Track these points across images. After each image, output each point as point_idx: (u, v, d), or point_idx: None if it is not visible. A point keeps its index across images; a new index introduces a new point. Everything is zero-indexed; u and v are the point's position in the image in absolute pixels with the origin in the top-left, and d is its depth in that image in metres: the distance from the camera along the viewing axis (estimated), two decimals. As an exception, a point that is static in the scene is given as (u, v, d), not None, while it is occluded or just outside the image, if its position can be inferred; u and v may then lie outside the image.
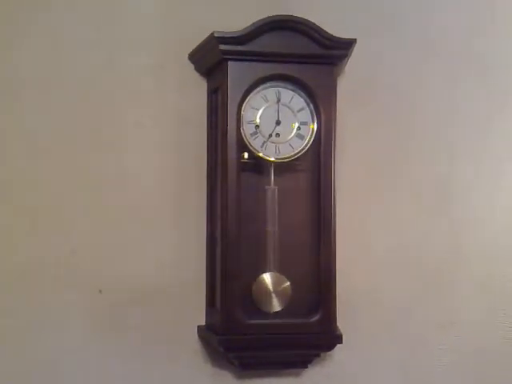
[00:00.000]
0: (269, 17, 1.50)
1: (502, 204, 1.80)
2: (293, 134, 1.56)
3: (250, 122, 1.54)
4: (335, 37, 1.53)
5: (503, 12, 1.80)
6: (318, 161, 1.56)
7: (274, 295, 1.55)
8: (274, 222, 1.56)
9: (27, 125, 1.55)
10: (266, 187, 1.56)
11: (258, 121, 1.55)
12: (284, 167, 1.57)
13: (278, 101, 1.56)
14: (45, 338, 1.55)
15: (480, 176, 1.78)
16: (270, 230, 1.56)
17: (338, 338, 1.56)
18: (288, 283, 1.55)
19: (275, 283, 1.55)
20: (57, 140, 1.57)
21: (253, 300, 1.54)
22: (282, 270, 1.56)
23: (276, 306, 1.54)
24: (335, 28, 1.54)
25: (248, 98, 1.53)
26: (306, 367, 1.65)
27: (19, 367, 1.54)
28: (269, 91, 1.55)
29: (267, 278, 1.55)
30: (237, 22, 1.51)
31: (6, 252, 1.54)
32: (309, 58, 1.53)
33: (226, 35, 1.48)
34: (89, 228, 1.58)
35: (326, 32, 1.52)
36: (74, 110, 1.57)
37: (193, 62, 1.63)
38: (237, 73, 1.51)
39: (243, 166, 1.54)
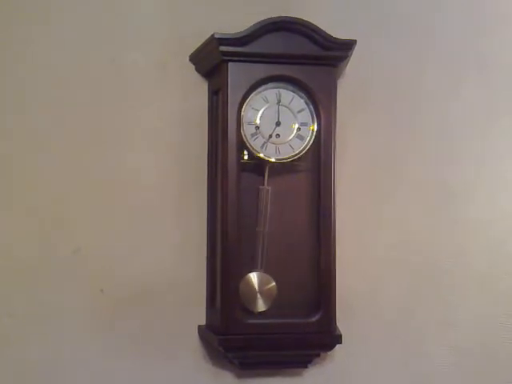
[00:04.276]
0: (269, 18, 1.51)
1: (504, 203, 1.79)
2: (293, 135, 1.57)
3: (250, 123, 1.55)
4: (335, 38, 1.53)
5: (504, 12, 1.80)
6: (318, 161, 1.57)
7: (259, 295, 1.55)
8: (265, 222, 1.56)
9: (30, 124, 1.56)
10: (260, 187, 1.57)
11: (258, 121, 1.55)
12: (284, 168, 1.58)
13: (278, 102, 1.56)
14: (46, 337, 1.56)
15: (481, 176, 1.78)
16: (260, 230, 1.56)
17: (337, 338, 1.57)
18: (273, 283, 1.56)
19: (261, 283, 1.55)
20: (58, 139, 1.57)
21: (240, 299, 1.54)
22: (281, 269, 1.57)
23: (261, 306, 1.55)
24: (335, 29, 1.54)
25: (248, 98, 1.54)
26: (306, 367, 1.65)
27: (21, 366, 1.55)
28: (269, 92, 1.56)
29: (254, 277, 1.56)
30: (237, 23, 1.51)
31: (8, 251, 1.55)
32: (309, 59, 1.54)
33: (226, 37, 1.49)
34: (90, 228, 1.58)
35: (325, 33, 1.53)
36: (75, 109, 1.58)
37: (194, 64, 1.63)
38: (237, 74, 1.51)
39: (243, 167, 1.55)
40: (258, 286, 1.55)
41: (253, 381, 1.66)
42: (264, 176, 1.56)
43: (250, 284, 1.55)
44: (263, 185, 1.57)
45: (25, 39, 1.56)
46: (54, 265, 1.56)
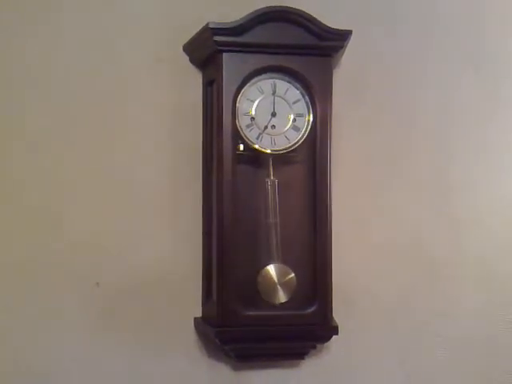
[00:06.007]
0: (263, 8, 1.49)
1: (501, 200, 1.79)
2: (288, 126, 1.56)
3: (245, 114, 1.54)
4: (331, 28, 1.52)
5: (502, 11, 1.79)
6: (313, 152, 1.56)
7: (279, 287, 1.54)
8: (275, 213, 1.56)
9: (26, 123, 1.55)
10: (266, 180, 1.56)
11: (253, 113, 1.54)
12: (280, 159, 1.57)
13: (274, 92, 1.55)
14: (42, 331, 1.55)
15: (479, 173, 1.78)
16: (272, 222, 1.56)
17: (333, 330, 1.56)
18: (292, 275, 1.55)
19: (280, 275, 1.55)
20: (53, 138, 1.56)
21: (258, 292, 1.54)
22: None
23: (282, 297, 1.54)
24: (331, 19, 1.53)
25: (243, 89, 1.53)
26: (303, 359, 1.65)
27: (19, 364, 1.55)
28: (264, 83, 1.54)
29: (271, 269, 1.55)
30: (232, 13, 1.50)
31: (3, 246, 1.54)
32: (304, 49, 1.53)
33: (220, 26, 1.48)
34: (86, 222, 1.58)
35: (321, 23, 1.52)
36: (70, 105, 1.57)
37: (188, 54, 1.62)
38: (232, 64, 1.50)
39: (239, 158, 1.53)
40: (277, 278, 1.54)
41: (249, 373, 1.66)
42: (269, 168, 1.55)
43: (268, 276, 1.54)
44: (265, 177, 1.55)
45: (20, 38, 1.54)
46: (51, 258, 1.55)
